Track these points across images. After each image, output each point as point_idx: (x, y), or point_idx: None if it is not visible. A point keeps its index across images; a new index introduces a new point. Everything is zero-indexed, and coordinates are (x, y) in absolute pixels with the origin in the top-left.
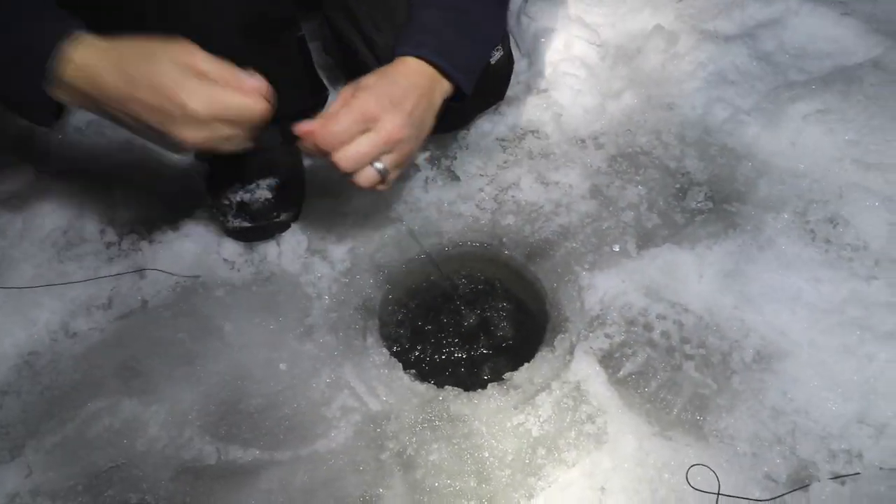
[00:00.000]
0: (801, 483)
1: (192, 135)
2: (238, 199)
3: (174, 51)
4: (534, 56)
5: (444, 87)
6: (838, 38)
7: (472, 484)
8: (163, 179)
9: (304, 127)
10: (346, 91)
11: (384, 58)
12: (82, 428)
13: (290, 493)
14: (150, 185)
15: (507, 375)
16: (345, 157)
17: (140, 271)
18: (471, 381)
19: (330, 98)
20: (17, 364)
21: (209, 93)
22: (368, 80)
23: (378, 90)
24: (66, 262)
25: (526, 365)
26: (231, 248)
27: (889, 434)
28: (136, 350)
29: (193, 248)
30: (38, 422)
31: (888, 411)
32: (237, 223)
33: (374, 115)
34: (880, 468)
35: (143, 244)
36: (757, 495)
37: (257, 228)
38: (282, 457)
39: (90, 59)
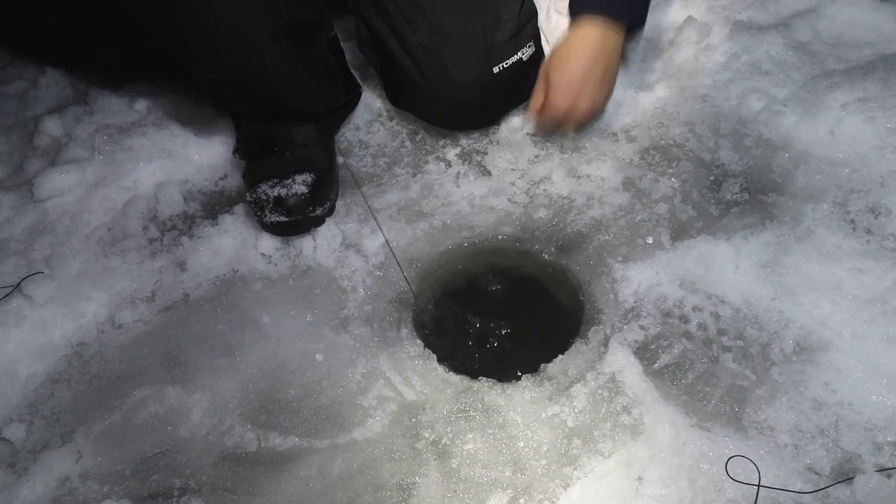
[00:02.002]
0: (845, 476)
1: None
2: (275, 194)
3: None
4: None
5: (619, 34)
6: (877, 25)
7: (507, 473)
8: (202, 177)
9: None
10: (543, 76)
11: (418, 57)
12: (129, 415)
13: (328, 480)
14: (189, 183)
15: (541, 367)
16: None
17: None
18: (505, 372)
19: (363, 95)
20: (67, 354)
21: None
22: (553, 72)
23: (563, 85)
24: (110, 257)
25: (560, 357)
26: (268, 242)
27: None
28: (179, 341)
29: (232, 243)
30: (86, 409)
31: None
32: (274, 218)
33: (567, 108)
34: None
35: (184, 239)
36: (799, 488)
37: (293, 223)
38: (320, 444)
39: None
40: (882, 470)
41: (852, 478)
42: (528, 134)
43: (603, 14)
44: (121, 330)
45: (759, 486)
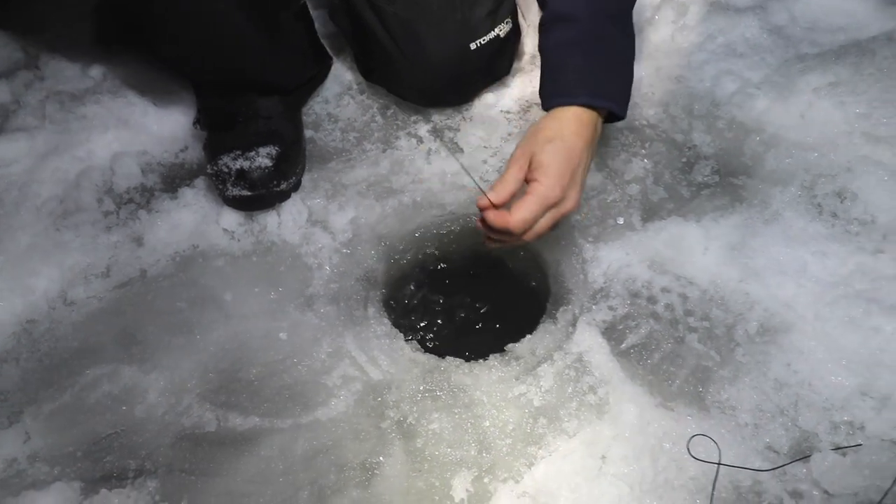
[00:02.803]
0: (802, 454)
1: None
2: (237, 166)
3: None
4: None
5: (601, 121)
6: (852, 11)
7: (472, 453)
8: (161, 148)
9: (494, 219)
10: (520, 159)
11: (393, 29)
12: (81, 395)
13: (290, 460)
14: (147, 155)
15: (508, 347)
16: (529, 235)
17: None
18: (472, 351)
19: (333, 67)
20: (16, 331)
21: None
22: (544, 152)
23: (556, 167)
24: (62, 231)
25: (528, 336)
26: (231, 217)
27: (892, 406)
28: (136, 319)
29: (192, 217)
30: (36, 389)
31: (892, 383)
32: (236, 192)
33: (558, 199)
34: (882, 440)
35: (142, 213)
36: (758, 466)
37: (256, 197)
38: (282, 424)
39: None
40: (837, 448)
41: (809, 456)
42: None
43: (602, 104)
44: (73, 307)
45: (719, 464)
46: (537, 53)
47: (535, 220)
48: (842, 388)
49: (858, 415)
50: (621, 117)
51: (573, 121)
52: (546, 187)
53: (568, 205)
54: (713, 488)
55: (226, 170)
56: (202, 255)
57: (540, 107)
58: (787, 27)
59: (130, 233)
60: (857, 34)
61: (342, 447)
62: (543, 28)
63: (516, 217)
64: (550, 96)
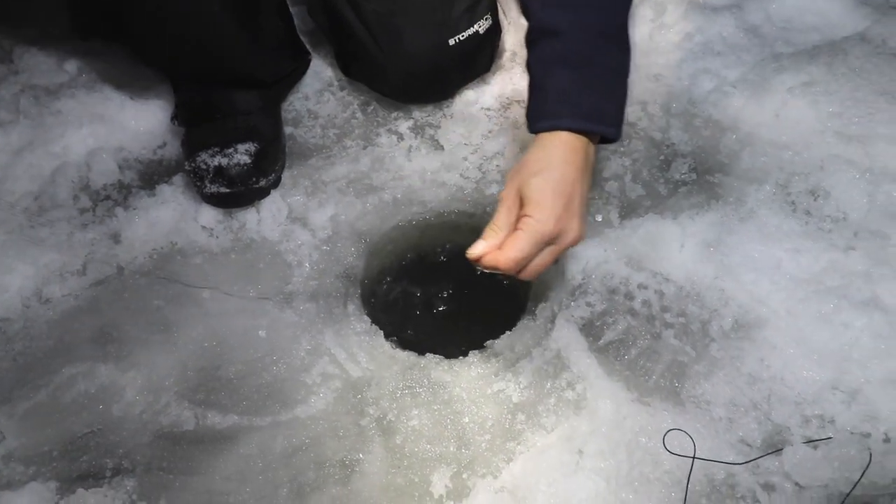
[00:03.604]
0: (774, 447)
1: None
2: (215, 163)
3: None
4: (520, 25)
5: (595, 143)
6: (826, 11)
7: (451, 449)
8: (139, 144)
9: (483, 258)
10: (508, 199)
11: (371, 25)
12: (57, 394)
13: (270, 458)
14: (124, 151)
15: (488, 343)
16: (526, 273)
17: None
18: (452, 348)
19: (313, 63)
20: None
21: None
22: (531, 185)
23: (548, 200)
24: (37, 228)
25: (507, 333)
26: (209, 214)
27: (861, 400)
28: (112, 317)
29: (170, 214)
30: (10, 388)
31: (861, 377)
32: (214, 189)
33: (554, 234)
34: (851, 432)
35: (119, 210)
36: (731, 459)
37: (235, 194)
38: (261, 422)
39: None
40: (809, 441)
41: (781, 449)
42: (484, 111)
43: (590, 128)
44: (48, 305)
45: (693, 458)
46: (517, 51)
47: (529, 258)
48: (813, 383)
49: (829, 408)
50: (615, 140)
51: (561, 147)
52: (538, 222)
53: (569, 238)
54: (688, 482)
55: (204, 166)
56: (180, 253)
57: (521, 104)
58: (763, 26)
59: (107, 230)
60: (830, 34)
61: (321, 444)
62: (528, 42)
63: (506, 255)
64: (535, 119)
